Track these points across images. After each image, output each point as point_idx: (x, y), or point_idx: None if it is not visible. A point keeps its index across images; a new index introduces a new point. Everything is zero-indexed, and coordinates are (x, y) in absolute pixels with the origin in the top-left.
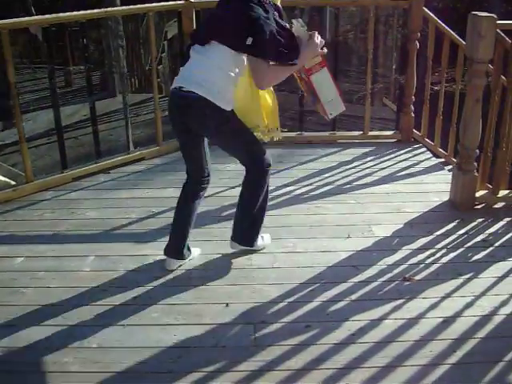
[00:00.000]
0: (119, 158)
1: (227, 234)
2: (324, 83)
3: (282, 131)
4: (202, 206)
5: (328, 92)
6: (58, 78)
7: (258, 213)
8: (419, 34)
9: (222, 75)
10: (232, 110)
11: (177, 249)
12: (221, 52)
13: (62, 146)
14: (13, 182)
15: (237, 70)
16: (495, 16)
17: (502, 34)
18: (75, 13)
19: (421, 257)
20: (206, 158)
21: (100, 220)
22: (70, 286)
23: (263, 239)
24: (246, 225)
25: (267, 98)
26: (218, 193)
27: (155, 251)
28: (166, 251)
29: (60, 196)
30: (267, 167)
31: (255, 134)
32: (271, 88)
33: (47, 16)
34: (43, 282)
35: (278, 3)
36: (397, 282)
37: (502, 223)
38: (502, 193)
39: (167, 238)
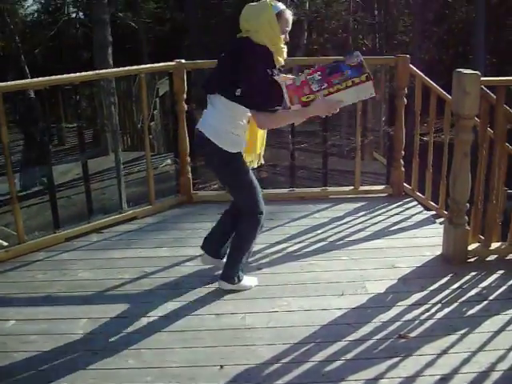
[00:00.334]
0: (112, 218)
1: (220, 293)
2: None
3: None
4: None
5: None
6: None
7: (241, 254)
8: (406, 90)
9: (224, 120)
10: (238, 152)
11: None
12: (221, 100)
13: (55, 206)
14: (5, 243)
15: (239, 116)
16: (479, 73)
17: (486, 90)
18: (68, 75)
19: (415, 313)
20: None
21: (93, 281)
22: (62, 349)
23: (249, 281)
24: (228, 263)
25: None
26: None
27: (147, 313)
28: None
29: (52, 257)
30: (260, 214)
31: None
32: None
33: (41, 79)
34: (35, 346)
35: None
36: (392, 339)
37: (495, 276)
38: (495, 245)
39: (160, 299)
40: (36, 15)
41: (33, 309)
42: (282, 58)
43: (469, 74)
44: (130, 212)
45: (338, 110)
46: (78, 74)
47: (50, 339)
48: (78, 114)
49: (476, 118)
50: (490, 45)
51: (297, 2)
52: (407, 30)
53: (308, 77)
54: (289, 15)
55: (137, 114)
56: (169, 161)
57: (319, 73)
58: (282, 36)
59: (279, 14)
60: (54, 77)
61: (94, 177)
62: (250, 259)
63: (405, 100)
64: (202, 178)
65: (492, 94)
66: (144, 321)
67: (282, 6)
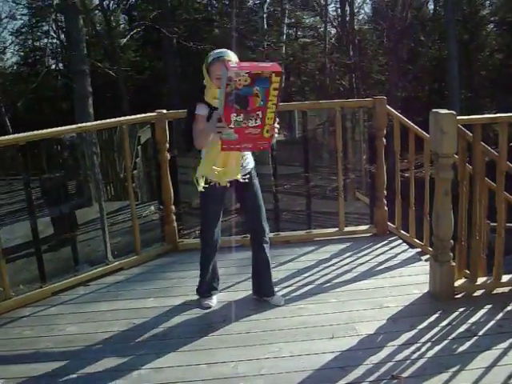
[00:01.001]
0: (98, 270)
1: (210, 342)
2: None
3: None
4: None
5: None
6: (34, 188)
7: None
8: (385, 131)
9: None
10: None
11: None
12: None
13: (40, 259)
14: None
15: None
16: (455, 112)
17: (463, 129)
18: (51, 130)
19: (406, 352)
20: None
21: (81, 335)
22: None
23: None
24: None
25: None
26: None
27: (137, 366)
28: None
29: (39, 312)
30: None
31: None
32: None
33: (23, 134)
34: None
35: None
36: (385, 380)
37: (483, 311)
38: (481, 280)
39: (150, 351)
40: (16, 67)
41: (21, 366)
42: (213, 103)
43: (445, 114)
44: (117, 263)
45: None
46: (60, 128)
47: None
48: (60, 164)
49: (455, 156)
50: (464, 80)
51: (273, 46)
52: (383, 69)
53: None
54: (217, 64)
55: (119, 163)
56: (152, 208)
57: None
58: (215, 83)
59: (210, 64)
60: (37, 132)
61: (79, 228)
62: (238, 305)
63: (384, 140)
64: (186, 225)
65: (469, 132)
66: (134, 374)
67: (216, 54)
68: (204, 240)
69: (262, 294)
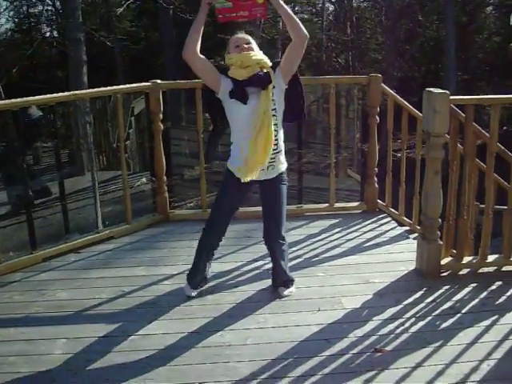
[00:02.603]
0: (89, 237)
1: (198, 311)
2: None
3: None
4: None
5: None
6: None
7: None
8: (379, 109)
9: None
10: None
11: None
12: None
13: (31, 226)
14: None
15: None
16: (448, 92)
17: (456, 109)
18: (44, 96)
19: (390, 327)
20: None
21: (71, 301)
22: (41, 370)
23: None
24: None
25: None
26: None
27: (126, 332)
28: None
29: (30, 277)
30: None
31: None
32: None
33: (17, 100)
34: (13, 368)
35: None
36: (368, 353)
37: (468, 289)
38: (467, 259)
39: (138, 318)
40: (10, 34)
41: (11, 330)
42: (238, 73)
43: (438, 94)
44: (107, 232)
45: None
46: (53, 94)
47: (29, 360)
48: (53, 132)
49: (446, 135)
50: (460, 62)
51: (271, 21)
52: (380, 48)
53: None
54: (233, 38)
55: (112, 133)
56: (144, 179)
57: None
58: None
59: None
60: (29, 98)
61: (70, 196)
62: (226, 276)
63: (377, 118)
64: (178, 197)
65: (461, 113)
66: (123, 340)
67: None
68: (205, 229)
69: (274, 284)
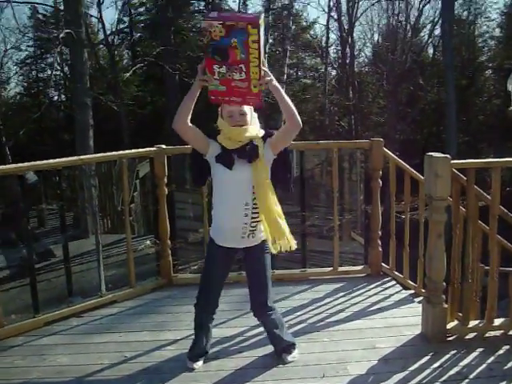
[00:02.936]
0: (92, 301)
1: (200, 378)
2: None
3: None
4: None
5: None
6: (31, 218)
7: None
8: (381, 172)
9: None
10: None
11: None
12: None
13: (34, 289)
14: None
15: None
16: (449, 156)
17: (457, 172)
18: (51, 161)
19: None
20: None
21: (72, 366)
22: None
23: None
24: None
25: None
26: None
27: None
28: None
29: (31, 341)
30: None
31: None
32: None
33: (25, 164)
34: None
35: None
36: None
37: (474, 354)
38: (473, 323)
39: None
40: (18, 97)
41: None
42: (227, 143)
43: (439, 158)
44: (110, 296)
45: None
46: (60, 159)
47: None
48: (58, 195)
49: (449, 198)
50: (461, 124)
51: None
52: (381, 112)
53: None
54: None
55: (117, 196)
56: (148, 242)
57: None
58: (226, 122)
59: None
60: (37, 162)
61: (74, 259)
62: (230, 342)
63: (380, 182)
64: (181, 260)
65: (463, 176)
66: None
67: None
68: (199, 305)
69: (276, 351)
